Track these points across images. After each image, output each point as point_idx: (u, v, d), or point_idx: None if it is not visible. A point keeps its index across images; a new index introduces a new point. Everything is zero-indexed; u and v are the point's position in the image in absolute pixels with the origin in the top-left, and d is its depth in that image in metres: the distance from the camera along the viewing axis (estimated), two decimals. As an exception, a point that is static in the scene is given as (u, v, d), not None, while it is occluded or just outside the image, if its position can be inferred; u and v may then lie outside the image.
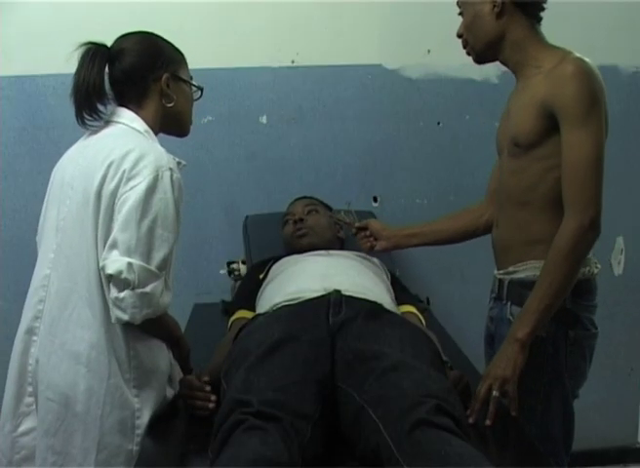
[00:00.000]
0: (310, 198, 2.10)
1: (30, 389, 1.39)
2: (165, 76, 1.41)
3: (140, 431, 1.36)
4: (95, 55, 1.36)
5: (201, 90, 1.53)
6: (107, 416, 1.33)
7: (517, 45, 1.43)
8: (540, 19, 1.47)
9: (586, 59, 1.36)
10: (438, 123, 2.37)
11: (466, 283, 2.49)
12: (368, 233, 1.82)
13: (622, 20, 2.38)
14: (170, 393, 1.44)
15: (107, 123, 1.41)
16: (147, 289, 1.27)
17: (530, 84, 1.40)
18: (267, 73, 2.31)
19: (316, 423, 1.17)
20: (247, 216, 2.32)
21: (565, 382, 1.45)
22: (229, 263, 2.26)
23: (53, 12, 2.14)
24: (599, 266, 1.49)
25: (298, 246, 1.93)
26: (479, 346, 1.69)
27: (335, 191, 2.31)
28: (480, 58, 1.51)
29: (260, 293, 1.76)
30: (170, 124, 1.46)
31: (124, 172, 1.29)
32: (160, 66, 1.40)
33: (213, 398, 1.37)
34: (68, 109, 1.42)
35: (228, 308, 1.85)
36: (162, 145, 1.40)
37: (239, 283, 2.08)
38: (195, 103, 2.26)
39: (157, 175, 1.29)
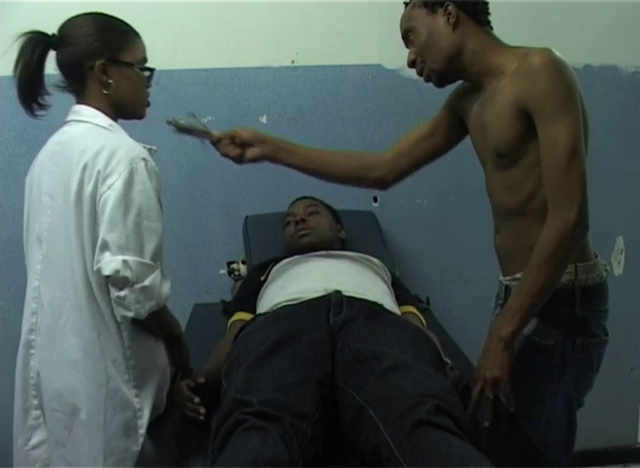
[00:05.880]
0: (311, 198, 2.10)
1: (36, 402, 1.39)
2: (98, 63, 1.34)
3: (142, 431, 1.37)
4: (34, 44, 1.33)
5: (150, 70, 1.44)
6: (110, 421, 1.33)
7: (477, 54, 1.37)
8: (490, 25, 1.42)
9: (554, 51, 1.28)
10: (438, 123, 2.37)
11: (466, 283, 2.49)
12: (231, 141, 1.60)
13: (622, 20, 2.38)
14: (166, 390, 1.44)
15: (68, 123, 1.39)
16: (146, 282, 1.28)
17: (497, 90, 1.34)
18: (267, 73, 2.31)
19: (316, 423, 1.17)
20: (247, 216, 2.32)
21: (570, 391, 1.42)
22: (229, 263, 2.26)
23: (52, 12, 2.13)
24: (608, 269, 1.44)
25: (299, 246, 1.93)
26: (479, 346, 1.68)
27: (335, 191, 2.30)
28: (443, 79, 1.43)
29: (260, 294, 1.76)
30: (120, 109, 1.41)
31: (98, 172, 1.28)
32: (94, 53, 1.34)
33: (202, 410, 1.37)
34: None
35: (228, 308, 1.85)
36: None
37: (239, 284, 2.08)
38: (195, 103, 2.29)
39: (132, 168, 1.28)
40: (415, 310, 1.76)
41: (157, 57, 2.23)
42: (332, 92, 2.34)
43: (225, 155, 1.61)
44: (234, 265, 2.24)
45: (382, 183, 1.68)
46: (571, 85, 1.27)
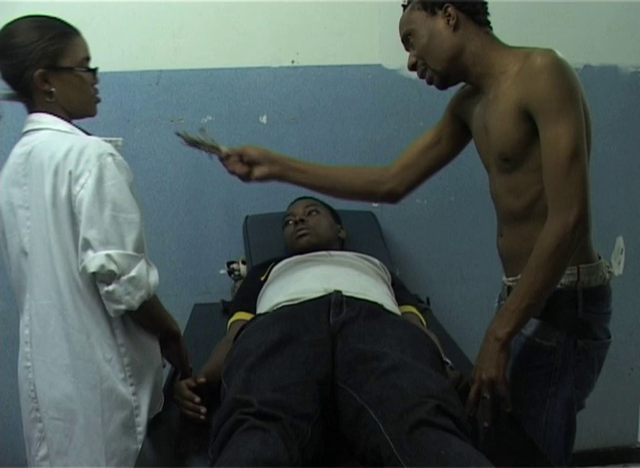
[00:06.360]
0: (311, 198, 2.10)
1: (38, 414, 1.39)
2: (37, 73, 1.31)
3: (140, 428, 1.37)
4: None
5: (92, 71, 1.40)
6: (108, 422, 1.33)
7: (478, 55, 1.36)
8: (490, 25, 1.41)
9: (556, 51, 1.27)
10: (438, 123, 2.37)
11: (466, 283, 2.49)
12: (240, 159, 1.59)
13: (622, 20, 2.38)
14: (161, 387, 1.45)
15: (27, 133, 1.38)
16: (133, 272, 1.28)
17: (500, 92, 1.33)
18: (267, 73, 2.31)
19: (316, 423, 1.17)
20: (247, 216, 2.32)
21: (571, 393, 1.41)
22: (229, 263, 2.26)
23: (53, 12, 2.14)
24: (612, 271, 1.43)
25: (298, 246, 1.93)
26: (479, 346, 1.69)
27: (335, 191, 2.32)
28: (445, 81, 1.43)
29: (260, 294, 1.76)
30: (69, 112, 1.39)
31: (70, 173, 1.28)
32: (31, 63, 1.31)
33: (203, 410, 1.37)
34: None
35: (228, 308, 1.85)
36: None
37: (239, 284, 2.08)
38: (195, 103, 2.29)
39: (101, 165, 1.28)
40: (415, 310, 1.76)
41: (157, 57, 2.26)
42: (332, 92, 2.34)
43: (232, 172, 1.61)
44: (234, 265, 2.24)
45: (393, 197, 1.67)
46: (573, 86, 1.25)
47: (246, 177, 1.60)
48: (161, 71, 2.26)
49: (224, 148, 1.60)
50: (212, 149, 1.60)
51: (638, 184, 2.51)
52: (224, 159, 1.60)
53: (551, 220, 1.27)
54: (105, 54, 2.17)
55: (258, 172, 1.59)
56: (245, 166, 1.59)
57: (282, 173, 1.61)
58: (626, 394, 2.63)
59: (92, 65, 1.41)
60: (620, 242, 2.52)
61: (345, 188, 1.66)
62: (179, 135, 1.57)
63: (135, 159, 2.28)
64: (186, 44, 2.26)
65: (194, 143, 1.59)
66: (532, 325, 1.41)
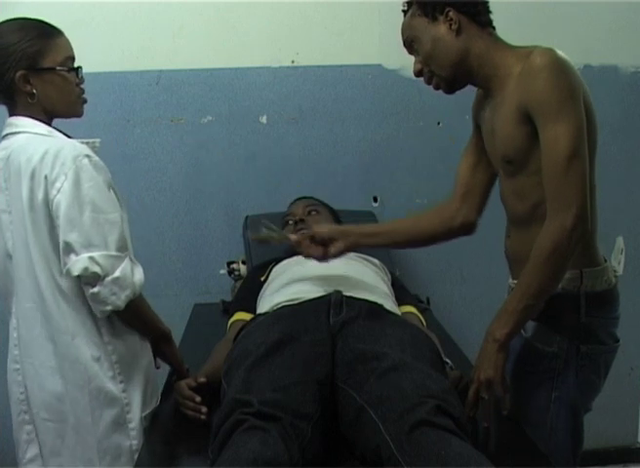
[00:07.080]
0: (311, 198, 2.10)
1: (27, 417, 1.40)
2: (18, 74, 1.31)
3: (132, 425, 1.38)
4: None
5: (74, 70, 1.38)
6: (98, 421, 1.34)
7: (482, 57, 1.35)
8: (493, 25, 1.39)
9: (557, 50, 1.25)
10: (438, 123, 2.37)
11: (466, 283, 2.50)
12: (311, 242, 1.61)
13: (622, 20, 2.38)
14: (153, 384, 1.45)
15: (5, 137, 1.37)
16: (117, 273, 1.29)
17: (506, 94, 1.32)
18: (267, 73, 2.31)
19: (316, 423, 1.17)
20: (247, 216, 2.32)
21: (575, 397, 1.39)
22: (229, 263, 2.26)
23: (53, 12, 2.14)
24: (618, 275, 1.41)
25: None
26: (479, 346, 1.69)
27: (335, 191, 2.32)
28: (451, 85, 1.41)
29: (260, 295, 1.76)
30: (53, 113, 1.39)
31: (46, 177, 1.28)
32: (12, 65, 1.31)
33: (204, 410, 1.37)
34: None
35: (229, 308, 1.85)
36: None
37: (240, 284, 2.08)
38: (195, 103, 2.29)
39: (77, 167, 1.28)
40: (415, 310, 1.76)
41: (157, 57, 2.26)
42: (332, 92, 2.35)
43: (309, 256, 1.62)
44: (234, 265, 2.24)
45: (468, 226, 1.61)
46: (573, 85, 1.24)
47: (323, 257, 1.62)
48: (161, 71, 2.27)
49: (293, 236, 1.64)
50: (283, 240, 1.64)
51: (638, 184, 2.51)
52: (297, 245, 1.62)
53: (549, 222, 1.26)
54: (105, 54, 2.19)
55: (334, 249, 1.60)
56: (319, 246, 1.61)
57: (357, 242, 1.62)
58: (626, 394, 2.63)
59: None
60: (620, 242, 2.52)
61: (425, 236, 1.64)
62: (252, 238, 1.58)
63: (135, 159, 2.29)
64: (186, 44, 2.26)
65: (266, 241, 1.66)
66: (533, 329, 1.40)
